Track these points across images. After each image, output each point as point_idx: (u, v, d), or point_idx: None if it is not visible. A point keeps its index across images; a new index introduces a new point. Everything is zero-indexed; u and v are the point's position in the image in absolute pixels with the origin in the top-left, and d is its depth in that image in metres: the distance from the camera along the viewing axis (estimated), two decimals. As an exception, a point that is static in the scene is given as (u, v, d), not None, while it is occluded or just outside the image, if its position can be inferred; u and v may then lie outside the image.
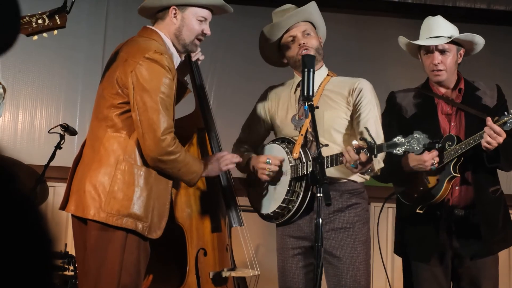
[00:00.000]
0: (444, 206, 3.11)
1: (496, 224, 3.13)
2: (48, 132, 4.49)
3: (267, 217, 3.05)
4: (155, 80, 2.56)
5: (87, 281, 2.60)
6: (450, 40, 3.14)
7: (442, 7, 5.45)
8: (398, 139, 2.60)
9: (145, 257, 2.62)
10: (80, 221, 2.64)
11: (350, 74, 3.15)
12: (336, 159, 2.76)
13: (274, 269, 3.08)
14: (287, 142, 3.00)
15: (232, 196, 3.01)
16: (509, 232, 3.20)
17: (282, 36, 3.07)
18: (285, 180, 2.96)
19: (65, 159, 4.06)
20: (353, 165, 2.66)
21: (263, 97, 3.20)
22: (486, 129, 2.92)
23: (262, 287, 3.29)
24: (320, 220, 2.49)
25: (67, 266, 4.17)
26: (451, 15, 3.42)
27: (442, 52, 3.17)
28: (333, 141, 2.92)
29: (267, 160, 2.96)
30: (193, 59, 3.08)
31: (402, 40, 3.31)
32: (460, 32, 3.21)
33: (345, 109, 2.98)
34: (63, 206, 2.67)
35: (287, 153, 2.96)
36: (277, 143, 3.04)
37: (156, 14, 2.80)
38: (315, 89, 2.88)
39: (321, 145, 2.64)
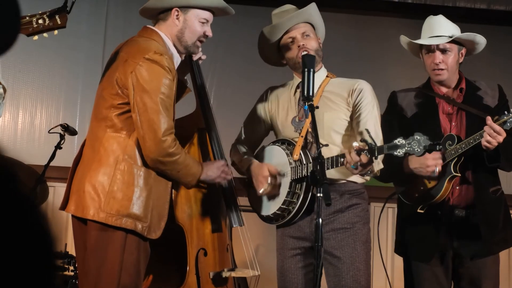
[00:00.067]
0: (445, 206, 3.11)
1: (497, 224, 3.13)
2: (48, 132, 4.49)
3: (267, 219, 3.04)
4: (155, 81, 2.56)
5: (87, 281, 2.60)
6: (451, 39, 3.14)
7: (442, 7, 5.45)
8: (399, 140, 2.60)
9: (145, 257, 2.62)
10: (80, 221, 2.64)
11: (350, 74, 3.14)
12: (336, 161, 2.76)
13: (274, 269, 3.08)
14: (287, 144, 3.00)
15: (232, 196, 3.00)
16: (510, 232, 3.20)
17: (282, 37, 3.07)
18: (285, 181, 2.96)
19: (65, 159, 4.06)
20: (354, 166, 2.65)
21: (263, 98, 3.19)
22: (486, 128, 2.92)
23: (263, 287, 3.29)
24: (320, 220, 2.49)
25: (67, 266, 4.17)
26: (451, 15, 3.41)
27: (444, 51, 3.16)
28: (332, 142, 2.92)
29: (269, 182, 2.94)
30: (194, 58, 3.07)
31: (404, 39, 3.30)
32: (461, 32, 3.22)
33: (345, 110, 2.97)
34: (63, 206, 2.67)
35: (287, 154, 2.96)
36: (277, 145, 3.04)
37: (158, 15, 2.80)
38: (315, 90, 2.88)
39: (321, 145, 2.64)
